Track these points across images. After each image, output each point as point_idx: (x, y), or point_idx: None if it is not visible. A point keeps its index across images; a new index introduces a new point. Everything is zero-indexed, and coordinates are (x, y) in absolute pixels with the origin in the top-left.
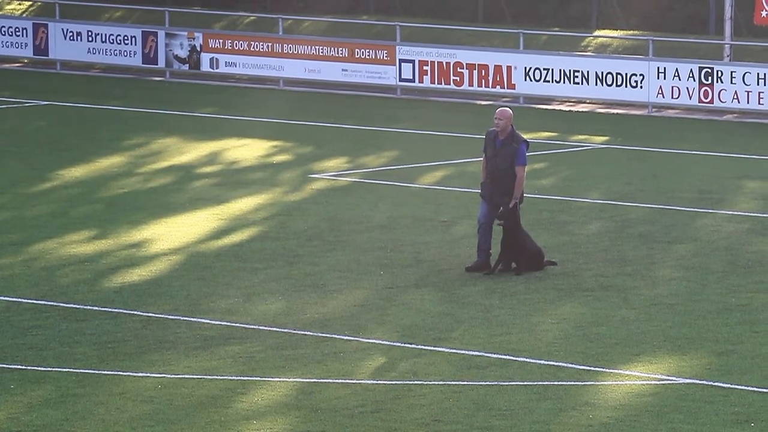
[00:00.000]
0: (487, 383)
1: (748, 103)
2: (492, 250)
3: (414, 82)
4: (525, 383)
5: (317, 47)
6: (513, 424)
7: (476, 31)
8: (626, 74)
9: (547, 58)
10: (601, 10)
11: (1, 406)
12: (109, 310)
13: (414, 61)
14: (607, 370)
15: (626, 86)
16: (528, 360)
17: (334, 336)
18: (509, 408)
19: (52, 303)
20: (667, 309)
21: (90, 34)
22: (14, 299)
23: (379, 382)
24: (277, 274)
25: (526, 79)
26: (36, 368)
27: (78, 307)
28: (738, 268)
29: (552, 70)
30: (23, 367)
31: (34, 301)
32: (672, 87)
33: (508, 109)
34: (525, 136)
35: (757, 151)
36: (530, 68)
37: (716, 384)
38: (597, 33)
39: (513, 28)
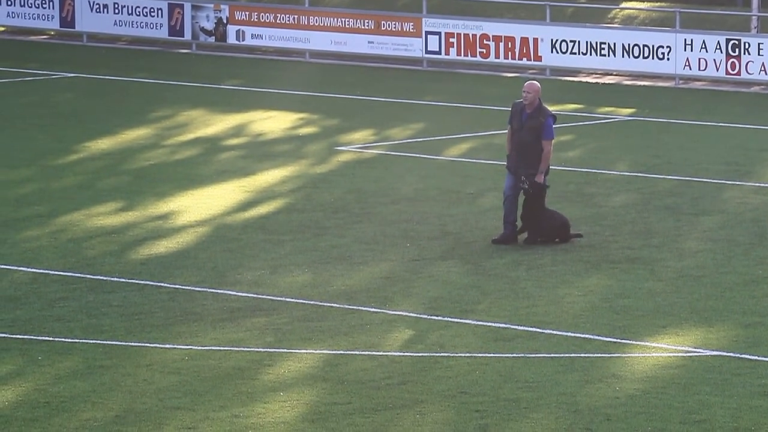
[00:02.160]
0: (514, 355)
1: None
2: (518, 222)
3: (440, 54)
4: (551, 355)
5: (343, 19)
6: (539, 395)
7: (503, 3)
8: (653, 46)
9: (573, 30)
10: None
11: (28, 378)
12: (136, 281)
13: (440, 33)
14: (634, 342)
15: (653, 58)
16: (554, 332)
17: (360, 308)
18: (536, 380)
19: (79, 275)
20: (694, 281)
21: (116, 6)
22: (41, 271)
23: (405, 354)
24: (304, 246)
25: (552, 51)
26: (63, 340)
27: (105, 278)
28: (765, 239)
29: (579, 42)
30: (51, 339)
31: (62, 273)
32: (699, 59)
33: (536, 82)
34: (551, 109)
35: None
36: (557, 40)
37: (743, 356)
38: (624, 5)
39: (539, 0)
